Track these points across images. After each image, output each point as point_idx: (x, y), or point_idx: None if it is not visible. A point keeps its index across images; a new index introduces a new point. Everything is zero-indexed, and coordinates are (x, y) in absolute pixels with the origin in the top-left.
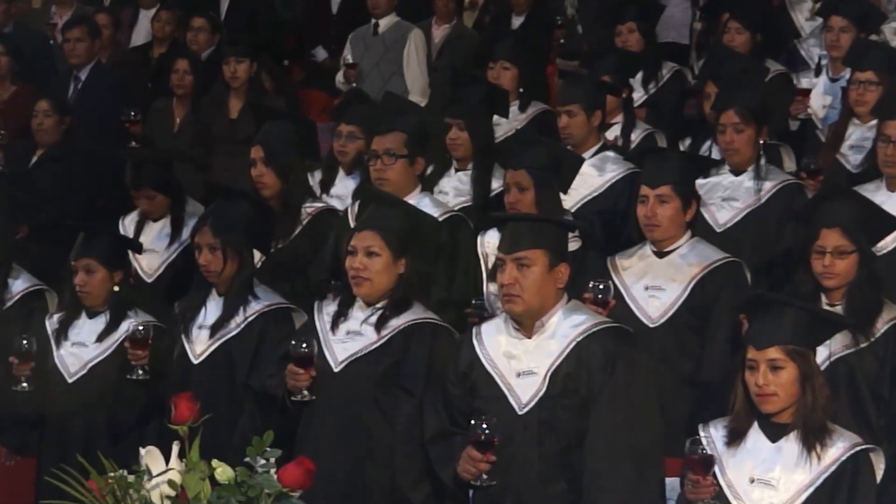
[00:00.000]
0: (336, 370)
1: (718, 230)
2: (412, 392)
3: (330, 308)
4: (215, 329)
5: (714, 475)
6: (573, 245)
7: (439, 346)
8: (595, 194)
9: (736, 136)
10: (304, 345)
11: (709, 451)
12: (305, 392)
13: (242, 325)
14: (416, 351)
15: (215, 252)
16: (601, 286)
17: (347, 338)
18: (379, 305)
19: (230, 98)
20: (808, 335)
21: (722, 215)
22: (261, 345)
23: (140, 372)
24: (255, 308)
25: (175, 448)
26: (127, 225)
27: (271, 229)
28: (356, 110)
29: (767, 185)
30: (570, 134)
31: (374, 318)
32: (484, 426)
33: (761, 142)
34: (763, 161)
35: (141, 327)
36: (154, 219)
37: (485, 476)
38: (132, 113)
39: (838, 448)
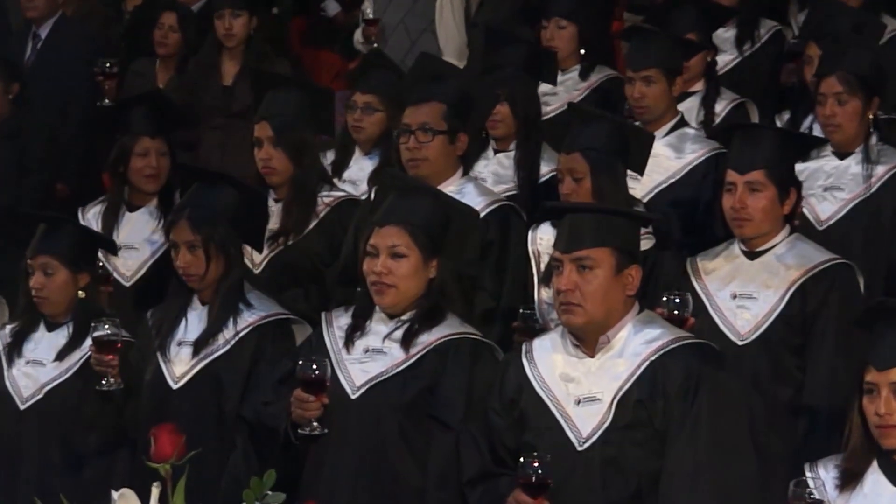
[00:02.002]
0: (353, 397)
1: (820, 227)
2: (448, 424)
3: (342, 320)
4: (199, 346)
5: None
6: (645, 243)
7: (481, 368)
8: (671, 181)
9: (838, 109)
10: (315, 365)
11: (817, 497)
12: (315, 424)
13: (232, 342)
14: (453, 373)
15: (195, 251)
16: (677, 299)
17: (367, 357)
18: (405, 318)
19: (224, 60)
20: None
21: (824, 209)
22: (255, 366)
23: (111, 381)
24: (247, 320)
25: (154, 491)
26: (90, 218)
27: (263, 220)
28: (375, 76)
29: (879, 170)
30: (648, 107)
31: (399, 334)
32: (536, 465)
33: (871, 116)
34: (874, 140)
35: (107, 325)
36: (132, 206)
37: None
38: (108, 64)
39: None
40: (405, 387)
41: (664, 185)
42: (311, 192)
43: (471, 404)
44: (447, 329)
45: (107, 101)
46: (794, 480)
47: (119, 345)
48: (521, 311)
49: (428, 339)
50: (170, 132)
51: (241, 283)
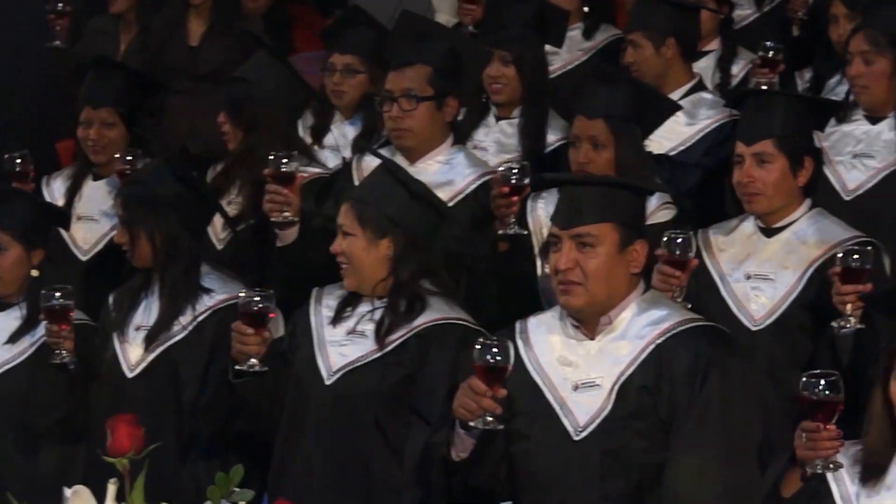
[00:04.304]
0: (328, 382)
1: (847, 197)
2: (427, 418)
3: (334, 297)
4: (155, 332)
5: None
6: (664, 215)
7: (468, 357)
8: (681, 148)
9: (864, 69)
10: (258, 298)
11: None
12: (255, 361)
13: (190, 328)
14: (436, 363)
15: (124, 228)
16: (679, 239)
17: (347, 340)
18: (382, 303)
19: (189, 18)
20: None
21: (852, 177)
22: (215, 352)
23: (64, 353)
24: (206, 304)
25: (111, 488)
26: (54, 188)
27: (209, 208)
28: (355, 35)
29: None
30: (638, 73)
31: (378, 315)
32: (494, 350)
33: None
34: None
35: (58, 293)
36: (98, 176)
37: (489, 417)
38: (59, 3)
39: None
40: (384, 374)
41: (675, 153)
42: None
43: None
44: (434, 313)
45: (58, 42)
46: (808, 372)
47: (71, 314)
48: (665, 238)
49: (409, 325)
50: (131, 100)
51: (191, 269)
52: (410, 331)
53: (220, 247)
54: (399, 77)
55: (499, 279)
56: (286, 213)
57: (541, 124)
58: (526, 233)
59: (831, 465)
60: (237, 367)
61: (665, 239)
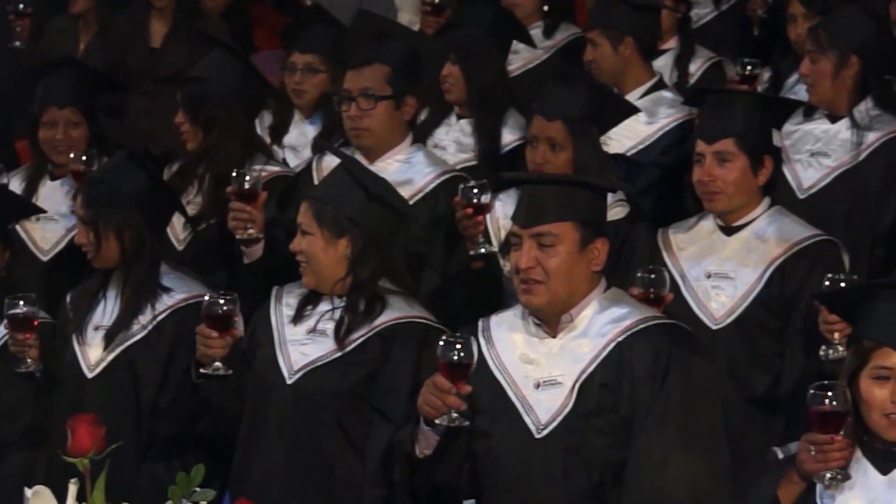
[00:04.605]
0: (289, 382)
1: (801, 195)
2: (389, 417)
3: (294, 295)
4: (114, 332)
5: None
6: (619, 212)
7: (430, 356)
8: (640, 147)
9: (810, 67)
10: (223, 301)
11: (841, 406)
12: (219, 364)
13: (149, 327)
14: (397, 361)
15: (87, 228)
16: (653, 275)
17: (308, 339)
18: (342, 303)
19: (151, 20)
20: None
21: (808, 176)
22: (175, 352)
23: (29, 362)
24: (166, 303)
25: (72, 488)
26: (11, 188)
27: (170, 206)
28: (316, 34)
29: (870, 137)
30: (597, 71)
31: (338, 315)
32: (458, 346)
33: (851, 77)
34: (869, 104)
35: (21, 302)
36: (55, 176)
37: (454, 414)
38: (21, 4)
39: None
40: (345, 374)
41: (634, 151)
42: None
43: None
44: (394, 312)
45: (18, 42)
46: (815, 384)
47: (36, 322)
48: (638, 274)
49: (370, 324)
50: (92, 99)
51: (153, 267)
52: (371, 330)
53: (180, 248)
54: (357, 76)
55: (470, 288)
56: (251, 231)
57: (495, 125)
58: (496, 250)
59: (839, 477)
60: (201, 371)
61: (638, 275)
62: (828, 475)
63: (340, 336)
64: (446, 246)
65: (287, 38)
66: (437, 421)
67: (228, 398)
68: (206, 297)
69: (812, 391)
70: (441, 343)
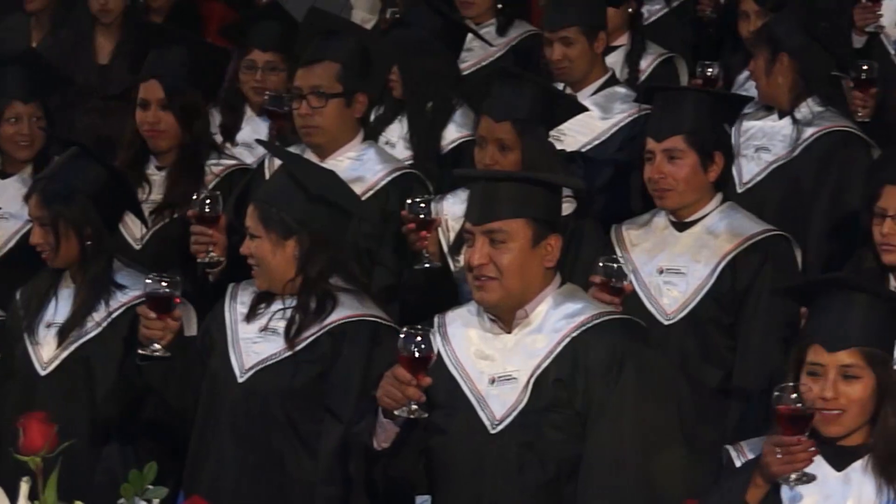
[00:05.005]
0: (240, 380)
1: (740, 189)
2: (338, 416)
3: (249, 292)
4: (67, 329)
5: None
6: (565, 208)
7: (381, 354)
8: (596, 143)
9: (752, 64)
10: (164, 282)
11: (806, 406)
12: (157, 346)
13: (104, 325)
14: (348, 360)
15: (45, 228)
16: (615, 265)
17: (260, 337)
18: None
19: (97, 35)
20: (886, 333)
21: (748, 170)
22: (129, 349)
23: None
24: (120, 300)
25: (24, 487)
26: None
27: (126, 203)
28: (275, 31)
29: (807, 132)
30: (569, 70)
31: (290, 314)
32: (419, 339)
33: (782, 73)
34: (815, 102)
35: None
36: (4, 174)
37: (414, 406)
38: None
39: None
40: (296, 372)
41: (589, 147)
42: (202, 161)
43: (370, 395)
44: (345, 310)
45: None
46: (780, 385)
47: None
48: (600, 263)
49: (320, 323)
50: (46, 95)
51: (108, 264)
52: (322, 328)
53: (137, 247)
54: (307, 74)
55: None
56: (212, 254)
57: (430, 124)
58: (440, 265)
59: (805, 478)
60: (139, 351)
61: (600, 264)
62: (793, 476)
63: (291, 335)
64: (397, 243)
65: (233, 34)
66: (396, 412)
67: (172, 385)
68: (148, 280)
69: (777, 392)
70: (402, 335)
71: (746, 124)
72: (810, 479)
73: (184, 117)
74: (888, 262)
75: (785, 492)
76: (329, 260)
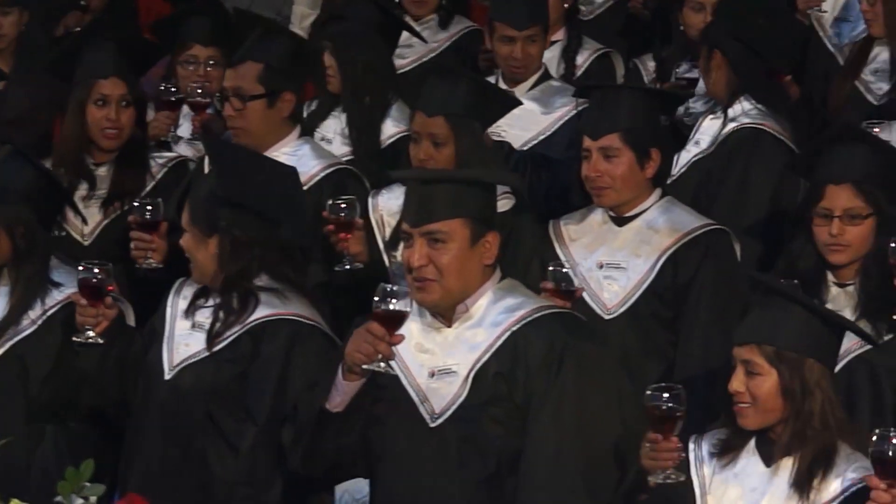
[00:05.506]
0: (167, 377)
1: (668, 181)
2: (253, 416)
3: (192, 287)
4: (2, 328)
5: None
6: (503, 204)
7: (300, 354)
8: (541, 137)
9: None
10: (97, 269)
11: (676, 407)
12: (91, 332)
13: (39, 322)
14: (265, 359)
15: None
16: (564, 269)
17: (190, 334)
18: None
19: None
20: (808, 337)
21: (680, 163)
22: (64, 347)
23: None
24: (56, 298)
25: None
26: None
27: (61, 201)
28: (214, 25)
29: (729, 127)
30: (527, 68)
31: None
32: (394, 298)
33: (713, 65)
34: (750, 100)
35: None
36: None
37: (383, 364)
38: None
39: (845, 481)
40: (217, 371)
41: (534, 143)
42: (146, 153)
43: (287, 398)
44: (266, 309)
45: None
46: (652, 386)
47: None
48: (550, 269)
49: (239, 321)
50: None
51: (44, 262)
52: (243, 328)
53: (86, 242)
54: (232, 75)
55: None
56: (150, 260)
57: (369, 118)
58: (361, 266)
59: (671, 477)
60: (74, 339)
61: (550, 269)
62: (659, 474)
63: (212, 333)
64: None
65: (164, 29)
66: (365, 367)
67: (108, 373)
68: (81, 267)
69: (649, 391)
70: (379, 291)
71: (709, 119)
72: (678, 478)
73: (140, 113)
74: (836, 262)
75: (715, 475)
76: (252, 259)
